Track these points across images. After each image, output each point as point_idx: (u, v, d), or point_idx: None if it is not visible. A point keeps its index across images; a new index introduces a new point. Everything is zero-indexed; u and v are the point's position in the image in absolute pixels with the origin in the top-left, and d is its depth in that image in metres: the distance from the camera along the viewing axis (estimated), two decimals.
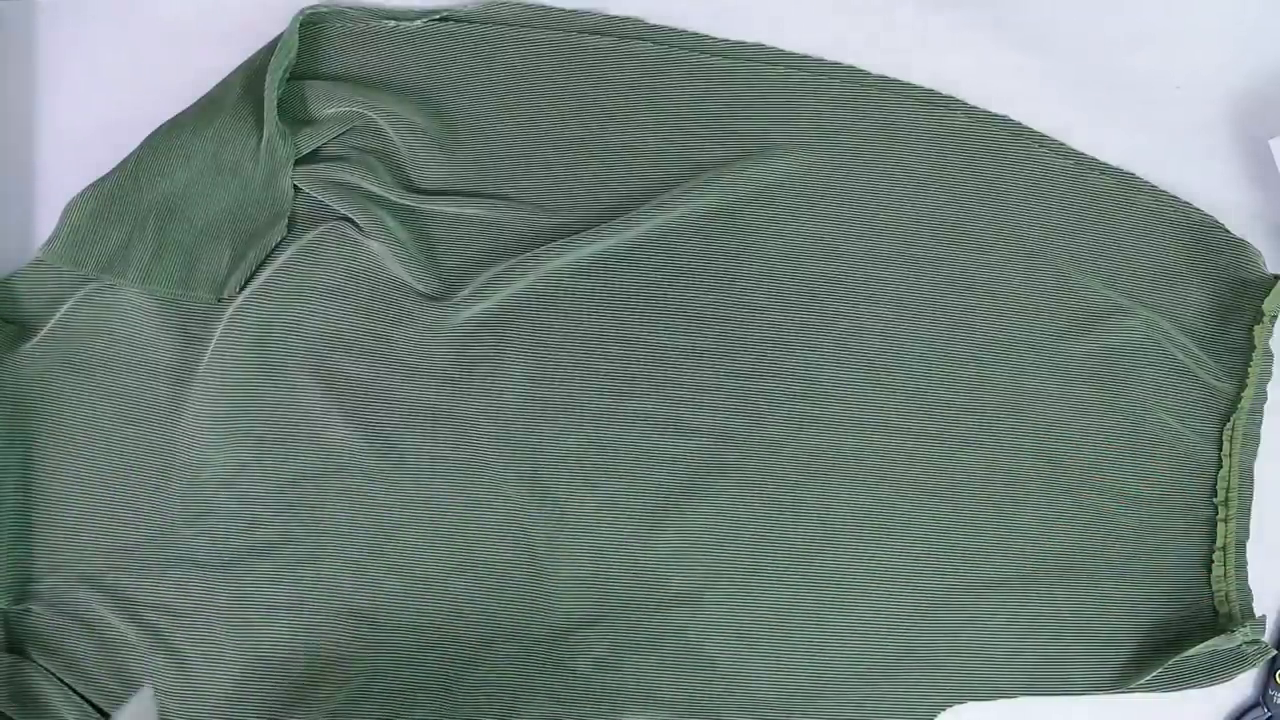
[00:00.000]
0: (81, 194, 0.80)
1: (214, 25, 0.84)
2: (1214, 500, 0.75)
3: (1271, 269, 0.77)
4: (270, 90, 0.76)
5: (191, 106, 0.81)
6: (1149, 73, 0.78)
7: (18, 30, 0.86)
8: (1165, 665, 0.72)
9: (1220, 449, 0.75)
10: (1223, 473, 0.75)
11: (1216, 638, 0.72)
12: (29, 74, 0.86)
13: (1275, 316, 0.74)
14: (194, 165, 0.79)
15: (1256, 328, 0.74)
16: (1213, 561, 0.74)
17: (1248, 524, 0.75)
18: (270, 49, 0.79)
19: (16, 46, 0.86)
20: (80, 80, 0.86)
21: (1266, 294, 0.74)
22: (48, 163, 0.85)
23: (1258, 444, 0.75)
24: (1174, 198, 0.77)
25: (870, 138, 0.77)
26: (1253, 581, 0.75)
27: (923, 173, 0.76)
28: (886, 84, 0.77)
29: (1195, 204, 0.77)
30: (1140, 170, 0.78)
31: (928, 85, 0.78)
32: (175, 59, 0.85)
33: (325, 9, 0.80)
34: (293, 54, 0.78)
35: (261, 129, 0.77)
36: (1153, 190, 0.77)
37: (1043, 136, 0.77)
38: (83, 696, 0.80)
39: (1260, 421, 0.75)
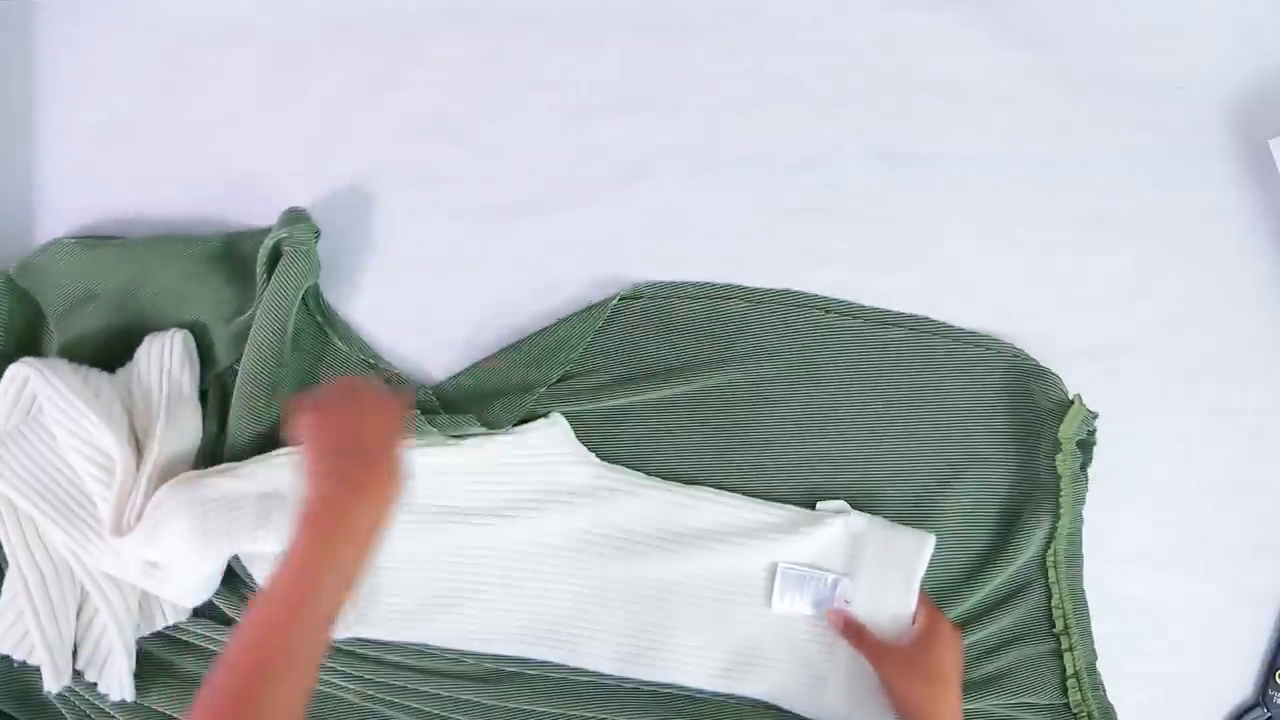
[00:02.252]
0: (71, 239, 0.80)
1: (211, 26, 0.85)
2: (1054, 631, 0.74)
3: (1271, 269, 0.77)
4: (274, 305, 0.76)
5: (193, 243, 0.80)
6: (1149, 73, 0.78)
7: (15, 31, 0.86)
8: None
9: (1047, 578, 0.75)
10: (1055, 601, 0.74)
11: None
12: (26, 74, 0.86)
13: (1080, 442, 0.74)
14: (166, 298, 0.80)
15: (1058, 457, 0.74)
16: (1068, 688, 0.74)
17: (1092, 645, 0.74)
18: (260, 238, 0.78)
19: (14, 47, 0.86)
20: (77, 80, 0.86)
21: (1061, 421, 0.74)
22: (45, 162, 0.85)
23: (1082, 566, 0.75)
24: (971, 333, 0.77)
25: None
26: (1250, 583, 0.75)
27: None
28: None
29: (1190, 209, 0.77)
30: (1140, 170, 0.78)
31: (928, 85, 0.79)
32: (171, 60, 0.85)
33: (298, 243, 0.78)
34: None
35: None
36: (947, 330, 0.77)
37: (828, 300, 0.77)
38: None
39: (1080, 543, 0.75)
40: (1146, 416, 0.77)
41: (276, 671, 0.50)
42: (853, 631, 0.72)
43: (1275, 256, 0.77)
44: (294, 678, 0.51)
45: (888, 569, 0.72)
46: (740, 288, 0.78)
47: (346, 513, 0.56)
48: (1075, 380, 0.76)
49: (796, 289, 0.78)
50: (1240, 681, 0.75)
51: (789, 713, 0.74)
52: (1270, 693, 0.75)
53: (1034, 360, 0.76)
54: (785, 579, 0.73)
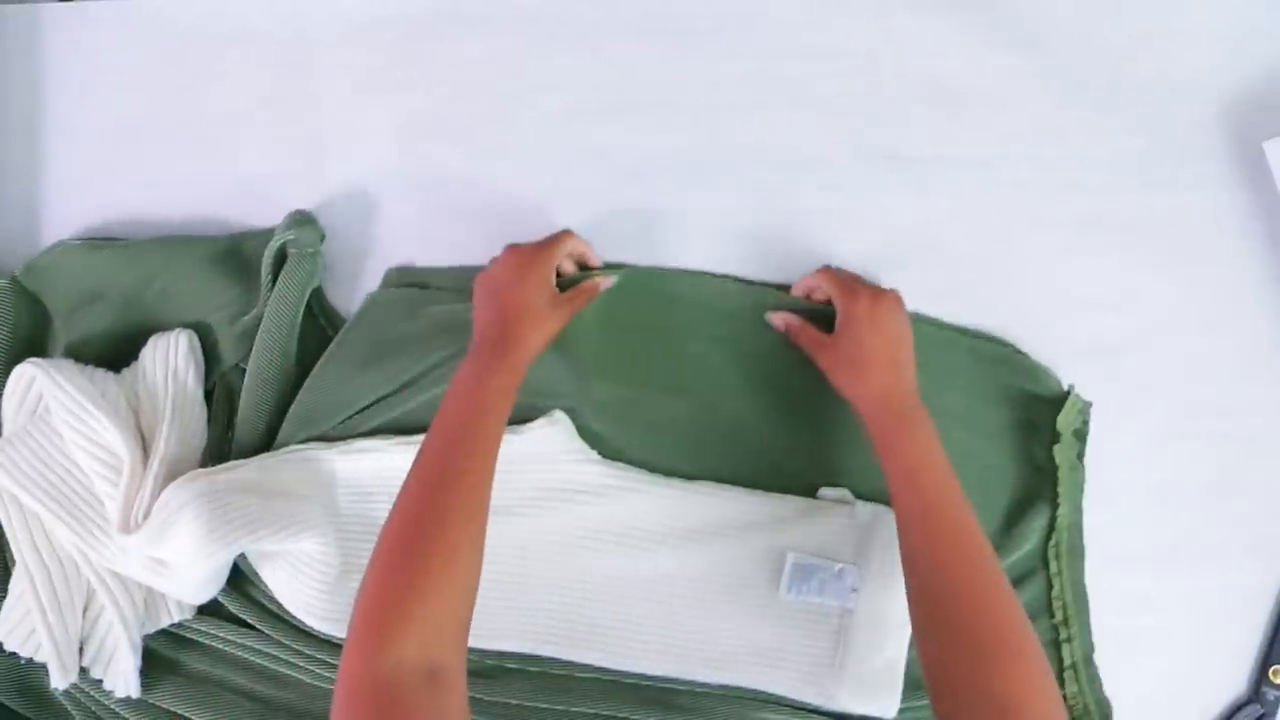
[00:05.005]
0: (76, 241, 0.81)
1: (214, 30, 0.85)
2: (1053, 622, 0.75)
3: (1265, 270, 0.77)
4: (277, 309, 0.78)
5: (197, 244, 0.81)
6: (1145, 76, 0.79)
7: (21, 33, 0.87)
8: None
9: (1049, 569, 0.75)
10: (1056, 592, 0.75)
11: None
12: (32, 77, 0.87)
13: (1075, 431, 0.75)
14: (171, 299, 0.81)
15: (1056, 447, 0.75)
16: (1064, 679, 0.74)
17: (1090, 638, 0.75)
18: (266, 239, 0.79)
19: (20, 50, 0.87)
20: (82, 83, 0.86)
21: (1058, 411, 0.75)
22: (51, 164, 0.86)
23: (1084, 558, 0.75)
24: (960, 328, 0.77)
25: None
26: (1244, 580, 0.76)
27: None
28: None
29: (1186, 210, 0.78)
30: (1137, 172, 0.78)
31: (926, 87, 0.79)
32: (175, 63, 0.85)
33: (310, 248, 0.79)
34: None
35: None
36: (936, 323, 0.77)
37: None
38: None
39: (1081, 534, 0.75)
40: (1141, 416, 0.77)
41: (458, 471, 0.60)
42: (795, 329, 0.74)
43: (1269, 257, 0.78)
44: (473, 479, 0.61)
45: (895, 556, 0.72)
46: (733, 278, 0.79)
47: (501, 344, 0.68)
48: (1072, 380, 0.77)
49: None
50: (1234, 678, 0.76)
51: (792, 703, 0.74)
52: (1264, 689, 0.75)
53: (1026, 354, 0.77)
54: (794, 568, 0.73)
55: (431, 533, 0.57)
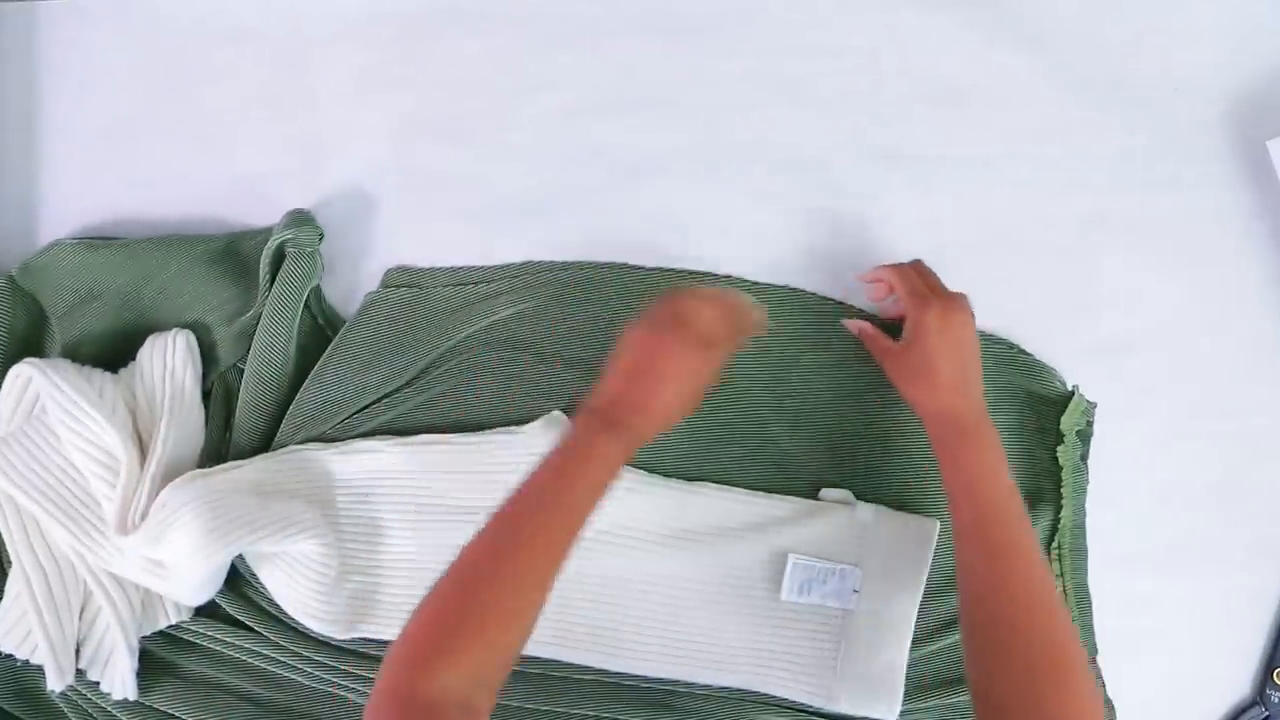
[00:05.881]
0: (73, 240, 0.81)
1: (212, 28, 0.85)
2: None
3: (1269, 270, 0.77)
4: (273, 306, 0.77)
5: (195, 243, 0.80)
6: (1148, 74, 0.79)
7: (18, 31, 0.87)
8: None
9: (1051, 570, 0.74)
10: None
11: None
12: (29, 76, 0.86)
13: (1079, 432, 0.74)
14: (169, 295, 0.80)
15: (1059, 448, 0.74)
16: None
17: (1093, 640, 0.74)
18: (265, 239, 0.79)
19: (16, 48, 0.87)
20: (79, 81, 0.86)
21: (1062, 412, 0.74)
22: (48, 163, 0.86)
23: (1087, 559, 0.75)
24: None
25: None
26: (1248, 582, 0.76)
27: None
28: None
29: (1189, 209, 0.77)
30: (1140, 171, 0.78)
31: (928, 85, 0.79)
32: (173, 61, 0.85)
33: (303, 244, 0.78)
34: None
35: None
36: None
37: (841, 304, 0.77)
38: None
39: (1084, 535, 0.75)
40: (1145, 416, 0.77)
41: (541, 539, 0.58)
42: (868, 336, 0.74)
43: (1273, 257, 0.77)
44: (555, 548, 0.58)
45: (896, 557, 0.72)
46: (736, 279, 0.78)
47: (636, 426, 0.62)
48: (1075, 380, 0.76)
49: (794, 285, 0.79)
50: (1238, 680, 0.76)
51: (791, 706, 0.74)
52: (1268, 691, 0.75)
53: (1029, 354, 0.77)
54: (795, 570, 0.72)
55: (496, 595, 0.56)
